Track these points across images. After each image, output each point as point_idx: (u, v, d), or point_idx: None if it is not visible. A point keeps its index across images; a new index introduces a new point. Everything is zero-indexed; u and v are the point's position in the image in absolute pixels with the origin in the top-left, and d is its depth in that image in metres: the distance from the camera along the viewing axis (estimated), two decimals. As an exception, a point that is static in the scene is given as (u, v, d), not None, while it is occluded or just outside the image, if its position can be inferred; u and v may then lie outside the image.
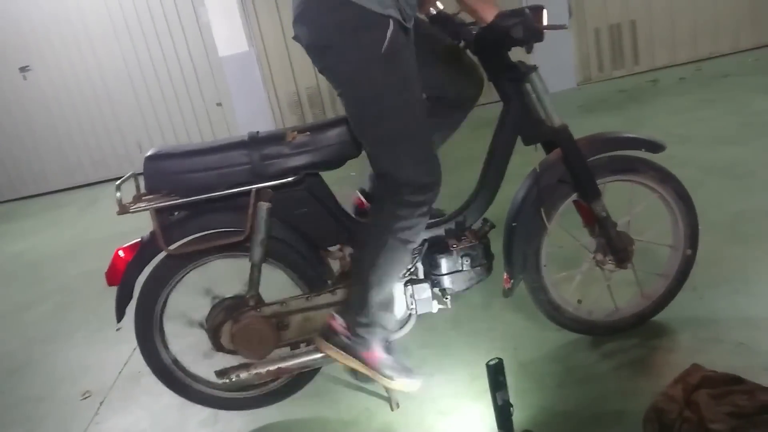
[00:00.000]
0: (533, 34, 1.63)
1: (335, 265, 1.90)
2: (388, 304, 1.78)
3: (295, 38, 1.66)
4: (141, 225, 1.99)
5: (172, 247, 1.72)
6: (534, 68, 1.77)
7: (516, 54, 1.75)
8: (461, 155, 3.61)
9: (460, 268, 1.85)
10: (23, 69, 6.28)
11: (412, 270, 1.84)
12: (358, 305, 1.73)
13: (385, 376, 1.77)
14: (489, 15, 1.63)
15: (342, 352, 1.73)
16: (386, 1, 1.53)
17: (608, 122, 4.46)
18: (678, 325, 2.01)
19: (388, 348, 1.84)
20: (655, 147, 1.86)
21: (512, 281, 1.90)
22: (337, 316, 1.75)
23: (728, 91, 4.57)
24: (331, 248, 1.87)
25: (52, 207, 5.92)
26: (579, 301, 2.05)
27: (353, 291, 1.75)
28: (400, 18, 1.56)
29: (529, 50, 1.68)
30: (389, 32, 1.53)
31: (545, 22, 1.69)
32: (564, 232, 1.97)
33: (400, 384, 1.79)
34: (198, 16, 6.13)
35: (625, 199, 1.96)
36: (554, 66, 5.79)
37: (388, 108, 1.58)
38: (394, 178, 1.63)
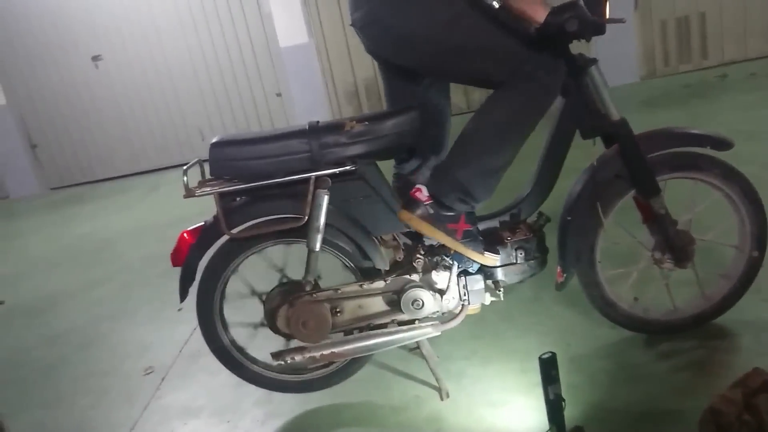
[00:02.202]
0: (589, 26, 1.60)
1: (389, 254, 1.92)
2: (485, 173, 1.76)
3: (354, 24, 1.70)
4: (201, 210, 2.07)
5: (234, 231, 1.78)
6: (594, 61, 1.75)
7: (576, 46, 1.73)
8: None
9: (514, 261, 1.84)
10: (95, 58, 6.56)
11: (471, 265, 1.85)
12: (456, 172, 1.74)
13: (471, 249, 1.79)
14: (540, 15, 1.61)
15: (425, 223, 1.76)
16: None
17: (670, 118, 4.33)
18: (740, 327, 1.96)
19: (474, 217, 1.84)
20: (722, 144, 1.79)
21: (565, 275, 1.89)
22: (422, 187, 1.78)
23: (802, 87, 4.37)
24: (385, 237, 1.90)
25: (118, 191, 6.18)
26: (635, 299, 2.02)
27: (456, 155, 1.76)
28: None
29: (588, 40, 1.66)
30: None
31: (608, 13, 1.66)
32: (621, 228, 1.94)
33: (488, 258, 1.81)
34: (260, 7, 6.26)
35: (688, 197, 1.91)
36: (616, 59, 5.66)
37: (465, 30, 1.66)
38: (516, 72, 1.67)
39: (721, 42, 5.83)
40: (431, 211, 1.76)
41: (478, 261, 1.81)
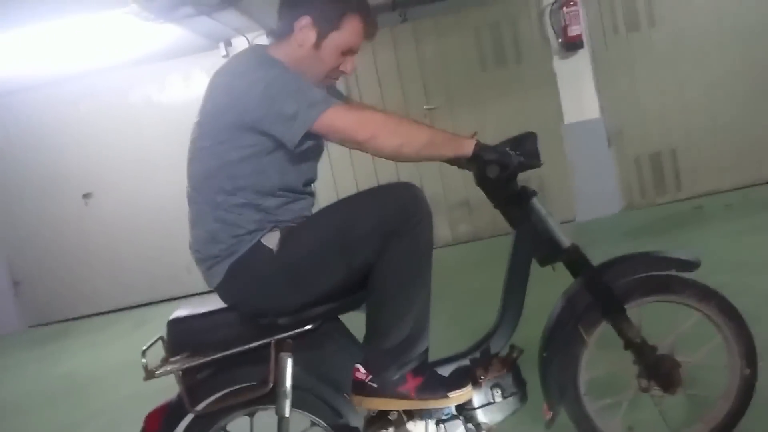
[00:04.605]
0: (512, 169, 1.68)
1: (362, 409, 1.82)
2: (412, 335, 1.70)
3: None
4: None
5: (199, 407, 1.71)
6: (534, 193, 1.81)
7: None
8: (478, 287, 3.60)
9: (492, 400, 1.77)
10: (86, 196, 6.67)
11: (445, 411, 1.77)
12: (381, 343, 1.67)
13: (432, 399, 1.69)
14: (466, 149, 1.66)
15: (377, 398, 1.67)
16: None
17: (654, 248, 4.39)
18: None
19: (422, 368, 1.74)
20: (687, 265, 1.82)
21: (552, 412, 1.82)
22: (358, 365, 1.70)
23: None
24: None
25: (103, 327, 6.04)
26: (630, 429, 1.94)
27: (373, 328, 1.70)
28: None
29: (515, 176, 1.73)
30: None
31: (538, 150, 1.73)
32: (604, 356, 1.90)
33: (455, 398, 1.71)
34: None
35: (668, 319, 1.87)
36: (597, 192, 5.88)
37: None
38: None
39: (695, 175, 6.09)
40: (376, 385, 1.69)
41: (446, 405, 1.74)
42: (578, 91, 5.55)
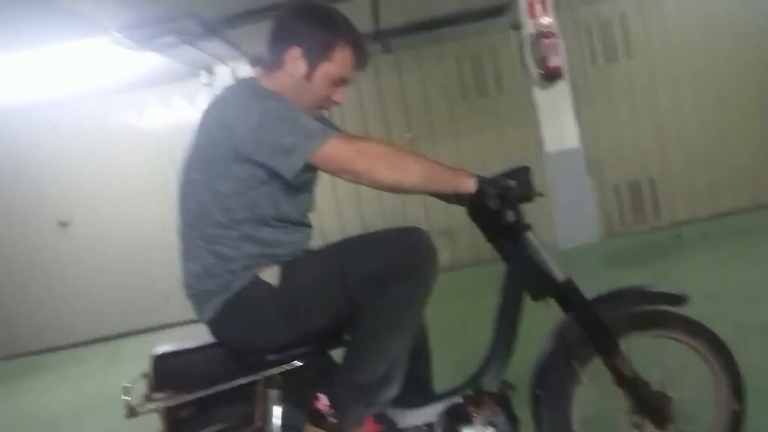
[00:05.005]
0: (512, 201, 1.67)
1: None
2: (386, 376, 1.66)
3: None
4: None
5: None
6: (528, 226, 1.79)
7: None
8: (463, 318, 3.55)
9: None
10: (63, 224, 6.55)
11: None
12: (354, 376, 1.64)
13: None
14: (470, 185, 1.63)
15: None
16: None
17: (634, 278, 4.38)
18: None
19: (383, 417, 1.70)
20: (676, 299, 1.81)
21: None
22: (321, 395, 1.64)
23: (755, 247, 4.56)
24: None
25: (75, 360, 5.87)
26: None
27: (351, 359, 1.66)
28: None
29: (519, 217, 1.72)
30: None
31: (533, 183, 1.72)
32: (596, 393, 1.86)
33: None
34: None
35: (656, 354, 1.86)
36: (576, 219, 5.91)
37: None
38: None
39: (673, 203, 6.18)
40: (335, 421, 1.64)
41: None
42: (559, 121, 5.61)
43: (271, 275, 1.63)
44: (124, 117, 6.59)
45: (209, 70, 6.30)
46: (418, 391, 1.85)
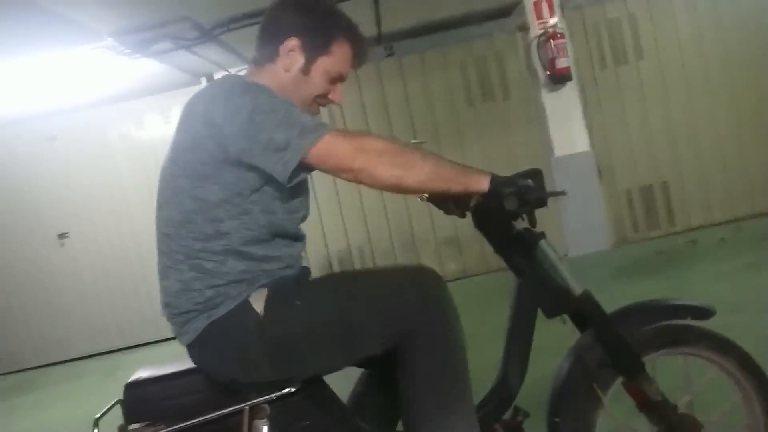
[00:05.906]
0: (530, 203, 1.47)
1: None
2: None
3: None
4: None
5: None
6: (542, 235, 1.62)
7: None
8: (472, 332, 3.41)
9: None
10: (62, 236, 6.43)
11: None
12: None
13: None
14: (483, 184, 1.48)
15: None
16: None
17: (649, 289, 4.22)
18: None
19: None
20: (704, 313, 1.66)
21: None
22: None
23: (775, 255, 4.39)
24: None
25: (72, 376, 5.73)
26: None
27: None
28: None
29: (533, 224, 1.56)
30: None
31: (546, 186, 1.54)
32: (617, 419, 1.70)
33: None
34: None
35: (683, 374, 1.72)
36: (585, 227, 5.73)
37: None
38: None
39: (687, 208, 6.00)
40: None
41: None
42: (568, 125, 5.46)
43: (258, 301, 1.47)
44: (123, 127, 6.46)
45: (209, 78, 6.19)
46: None
